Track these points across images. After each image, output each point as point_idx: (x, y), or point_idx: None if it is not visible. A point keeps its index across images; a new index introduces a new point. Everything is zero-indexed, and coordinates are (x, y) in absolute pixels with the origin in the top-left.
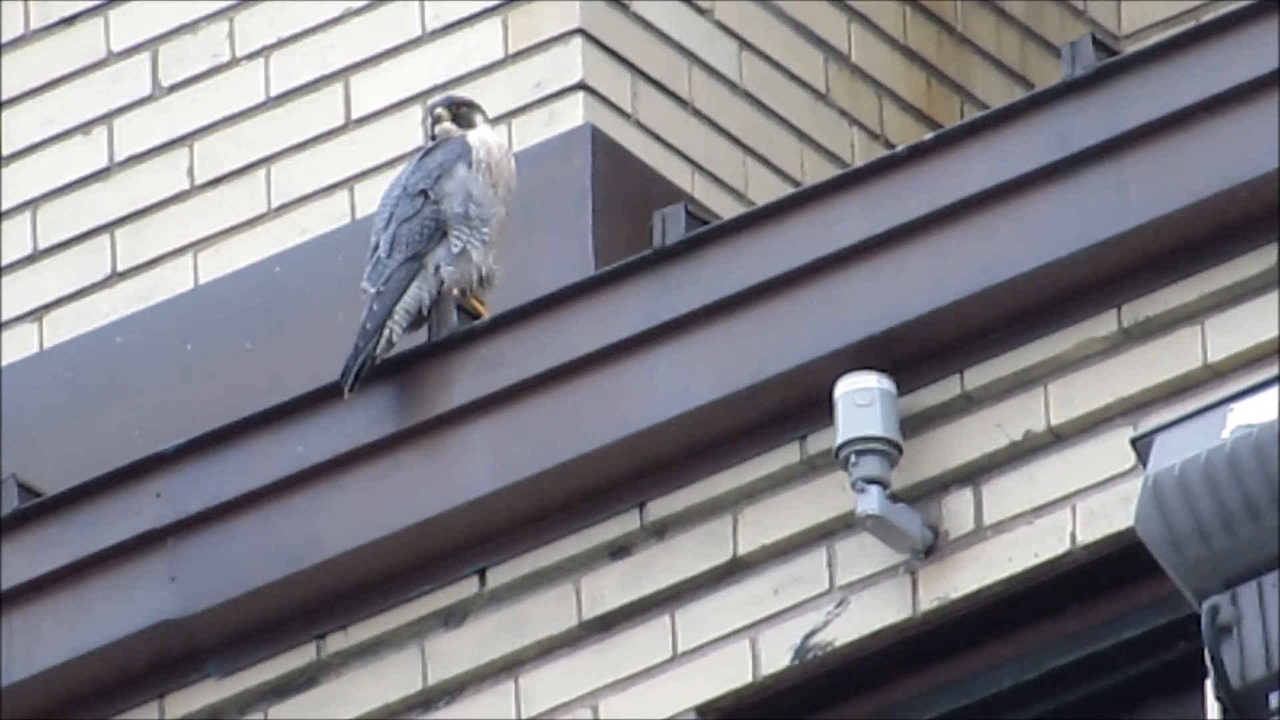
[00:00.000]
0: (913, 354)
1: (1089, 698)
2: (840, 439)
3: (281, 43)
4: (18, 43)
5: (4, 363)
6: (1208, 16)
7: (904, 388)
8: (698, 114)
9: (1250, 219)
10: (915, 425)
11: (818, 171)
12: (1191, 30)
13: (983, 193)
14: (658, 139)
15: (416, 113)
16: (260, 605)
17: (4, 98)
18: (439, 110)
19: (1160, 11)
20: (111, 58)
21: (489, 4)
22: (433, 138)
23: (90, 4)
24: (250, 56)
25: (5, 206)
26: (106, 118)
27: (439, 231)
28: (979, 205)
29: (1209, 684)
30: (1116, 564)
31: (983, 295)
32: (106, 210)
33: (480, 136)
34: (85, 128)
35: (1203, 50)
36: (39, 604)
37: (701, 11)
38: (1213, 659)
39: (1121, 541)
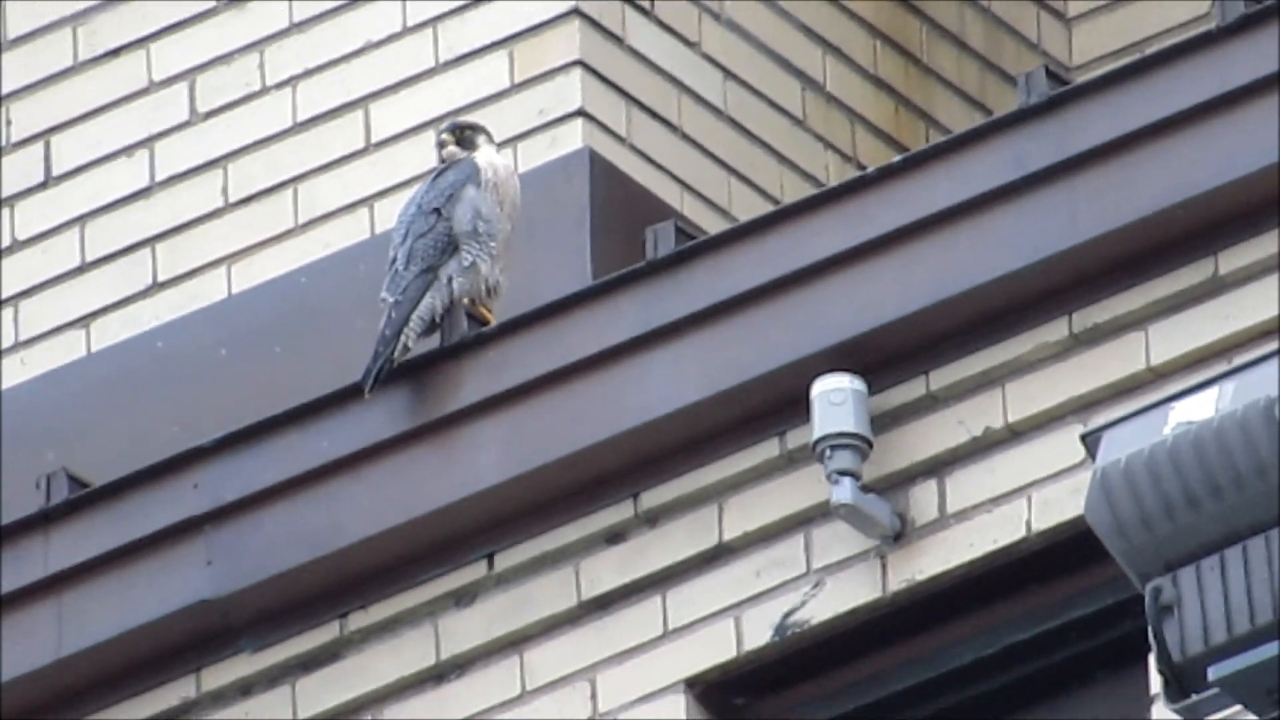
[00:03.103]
0: (882, 357)
1: (1043, 670)
2: (816, 435)
3: (307, 73)
4: (67, 73)
5: (55, 366)
6: (1151, 49)
7: (874, 388)
8: (686, 138)
9: (1189, 235)
10: (884, 422)
11: (796, 191)
12: (1135, 62)
13: (945, 210)
14: (650, 161)
15: (431, 137)
16: (288, 586)
17: (54, 123)
18: (444, 135)
19: (1107, 45)
20: (153, 87)
21: (496, 37)
22: (442, 160)
23: (133, 37)
24: (279, 86)
25: (55, 223)
26: (148, 141)
27: (451, 246)
28: (942, 222)
29: (1152, 659)
30: (1068, 549)
31: (946, 304)
32: (148, 226)
33: (488, 159)
34: (128, 150)
35: (1146, 81)
36: (87, 585)
37: (690, 44)
38: (1155, 636)
39: (1072, 529)
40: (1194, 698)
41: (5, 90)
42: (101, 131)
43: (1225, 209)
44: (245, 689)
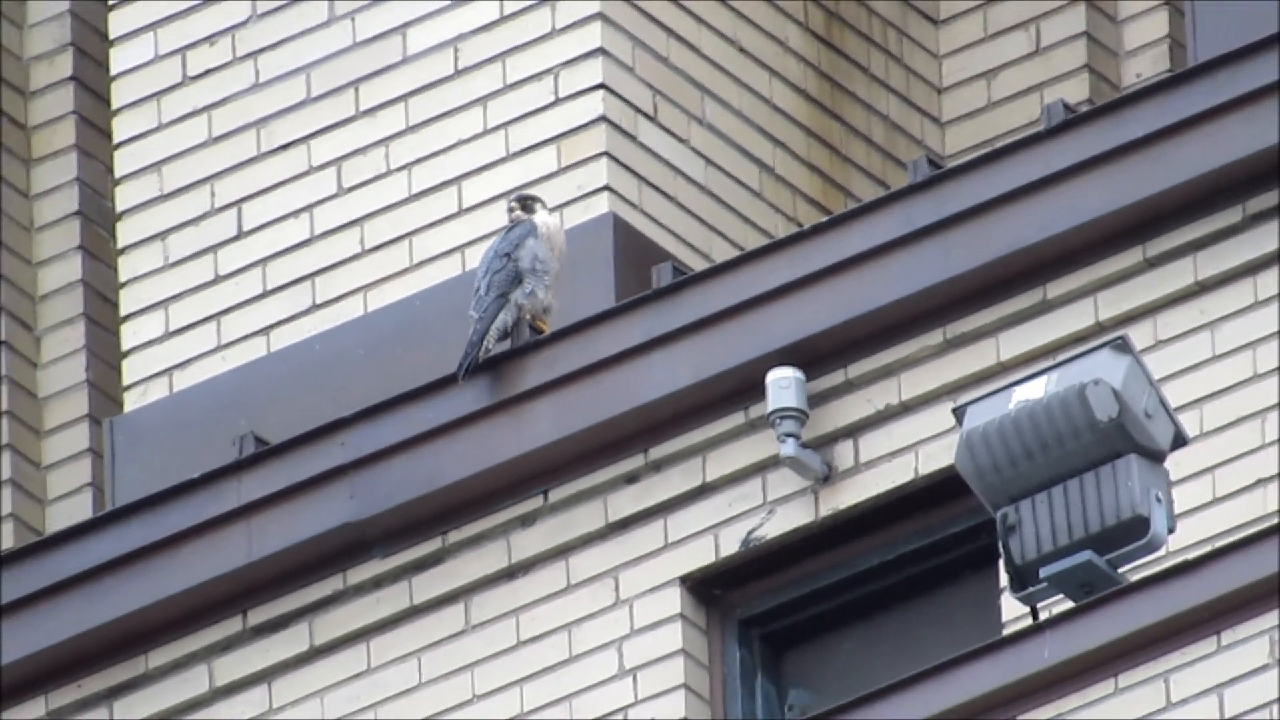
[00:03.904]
0: (815, 356)
1: (927, 571)
2: (770, 409)
3: (418, 160)
4: (253, 160)
5: (245, 361)
6: (999, 144)
7: (810, 376)
8: (680, 205)
9: (1026, 271)
10: (817, 400)
11: (755, 241)
12: (988, 154)
13: (857, 254)
14: (655, 221)
15: (503, 205)
16: (406, 513)
17: (245, 194)
18: (513, 203)
19: (968, 141)
20: (311, 170)
21: (548, 136)
22: (511, 220)
23: (297, 135)
24: (400, 169)
25: (246, 263)
26: (308, 208)
27: (517, 279)
28: (856, 262)
29: (1001, 563)
30: (944, 488)
31: (859, 319)
32: (309, 265)
33: (543, 219)
34: (295, 214)
35: (996, 166)
36: (267, 513)
37: (682, 140)
38: (1003, 547)
39: (946, 474)
40: (1030, 590)
41: (210, 172)
42: (277, 200)
43: (1051, 254)
44: (377, 583)
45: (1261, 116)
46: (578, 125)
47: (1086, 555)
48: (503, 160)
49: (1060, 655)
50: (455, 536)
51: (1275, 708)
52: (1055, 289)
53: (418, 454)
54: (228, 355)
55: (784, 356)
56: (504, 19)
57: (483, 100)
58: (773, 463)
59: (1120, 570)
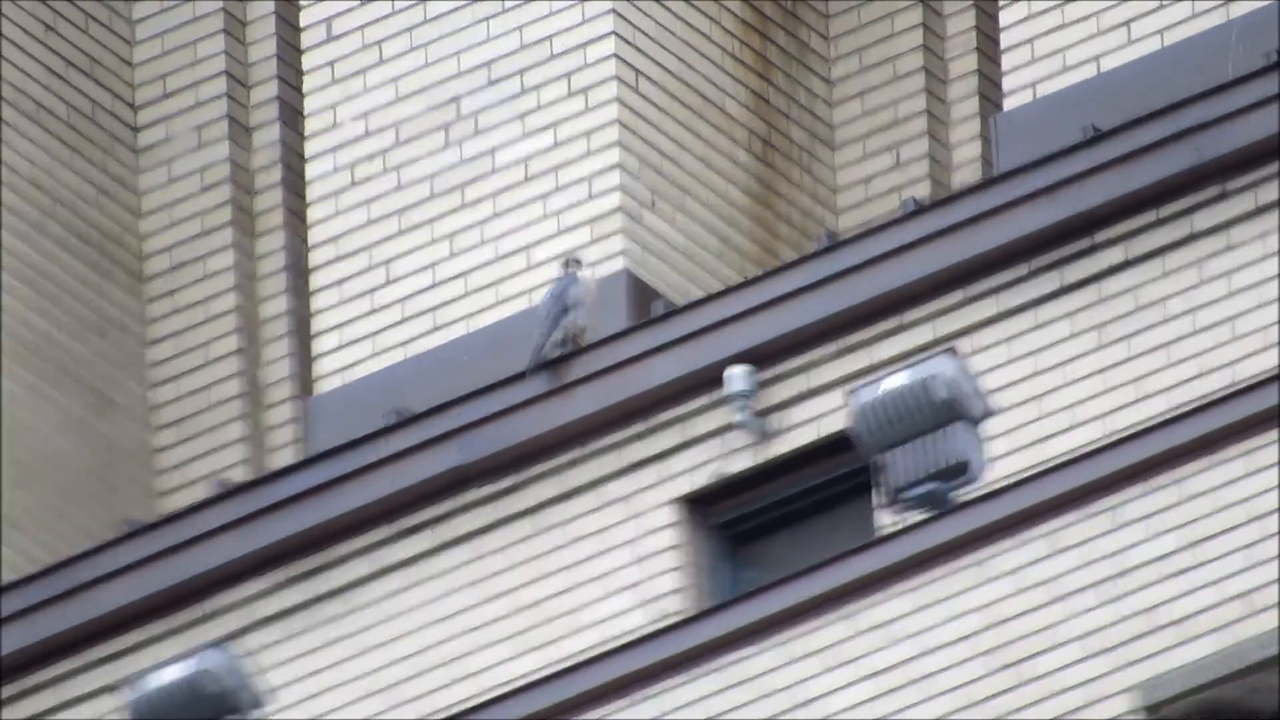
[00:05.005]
0: (759, 358)
1: (829, 496)
2: (729, 391)
3: (506, 234)
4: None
5: (404, 359)
6: (876, 224)
7: (758, 370)
8: (669, 264)
9: (890, 305)
10: (761, 386)
11: (718, 286)
12: (867, 230)
13: (785, 294)
14: (653, 274)
15: (556, 265)
16: (493, 458)
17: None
18: (563, 263)
19: (856, 220)
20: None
21: (584, 220)
22: (561, 273)
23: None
24: (496, 238)
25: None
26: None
27: (565, 310)
28: (784, 299)
29: (875, 491)
30: (839, 444)
31: (786, 334)
32: (443, 297)
33: (583, 275)
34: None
35: (871, 238)
36: (416, 458)
37: (669, 223)
38: (876, 481)
39: (841, 436)
40: (894, 507)
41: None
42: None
43: (907, 293)
44: (478, 503)
45: (1040, 209)
46: (603, 213)
47: (931, 485)
48: (555, 236)
49: (914, 549)
50: (527, 474)
51: (1037, 573)
52: (909, 316)
53: (500, 420)
54: (394, 352)
55: (738, 358)
56: (558, 144)
57: (543, 198)
58: (731, 428)
59: (950, 495)
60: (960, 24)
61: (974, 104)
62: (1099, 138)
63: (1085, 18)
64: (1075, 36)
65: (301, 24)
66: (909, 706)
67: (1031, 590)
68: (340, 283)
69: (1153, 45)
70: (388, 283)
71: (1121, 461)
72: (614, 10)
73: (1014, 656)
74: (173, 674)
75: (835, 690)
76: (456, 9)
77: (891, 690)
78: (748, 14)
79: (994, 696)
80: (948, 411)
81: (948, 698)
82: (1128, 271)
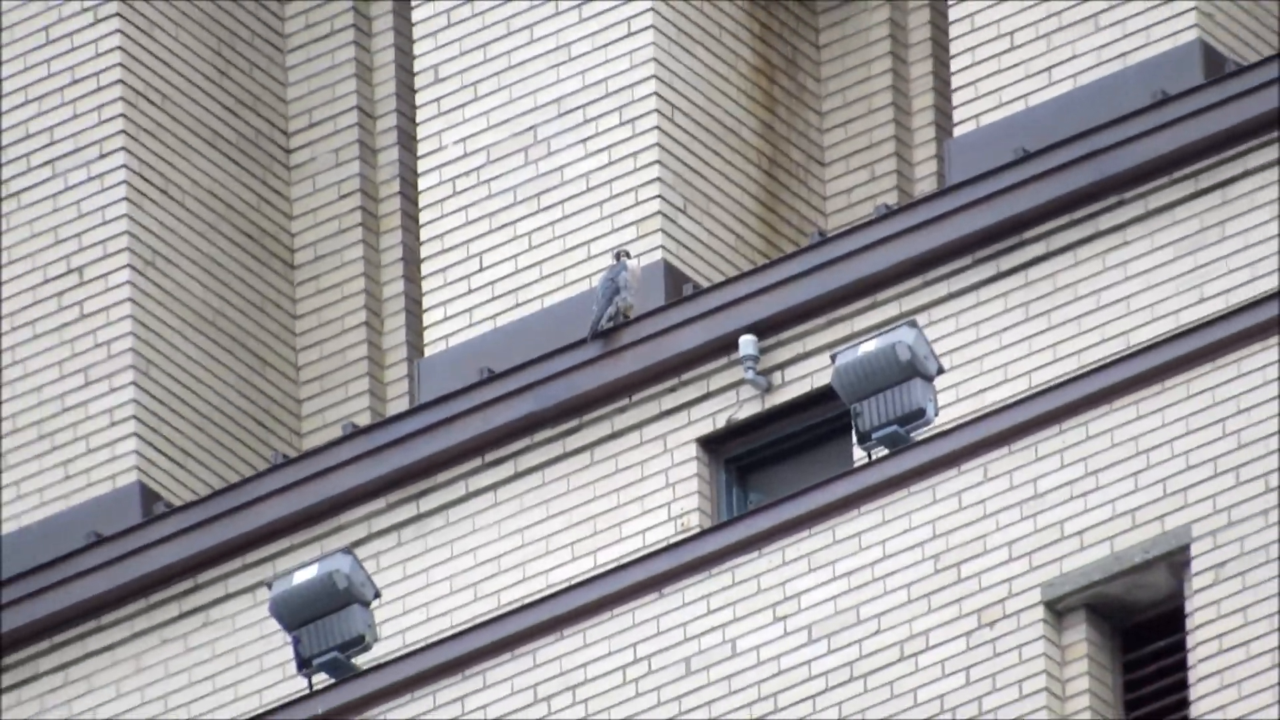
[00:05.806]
0: (764, 329)
1: (816, 435)
2: (740, 354)
3: (572, 232)
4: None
5: (495, 327)
6: (855, 224)
7: (760, 339)
8: (698, 255)
9: (867, 287)
10: (763, 351)
11: (733, 272)
12: (850, 228)
13: (785, 278)
14: (684, 263)
15: (609, 256)
16: (558, 407)
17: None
18: (615, 253)
19: (843, 220)
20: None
21: (633, 220)
22: (613, 262)
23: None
24: (570, 233)
25: (527, 265)
26: (538, 261)
27: (618, 290)
28: (784, 283)
29: (852, 431)
30: (825, 395)
31: (784, 311)
32: (524, 281)
33: (630, 263)
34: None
35: (854, 234)
36: (492, 406)
37: (698, 222)
38: (853, 423)
39: (827, 389)
40: (867, 445)
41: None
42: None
43: (879, 279)
44: (548, 441)
45: (981, 213)
46: (646, 216)
47: (894, 428)
48: (609, 234)
49: (880, 478)
50: (584, 419)
51: (972, 496)
52: (881, 296)
53: (562, 378)
54: (484, 324)
55: (748, 329)
56: (611, 163)
57: (599, 204)
58: (741, 383)
59: (909, 436)
60: (921, 69)
61: (931, 131)
62: (1027, 157)
63: (1016, 64)
64: (1009, 79)
65: (415, 69)
66: (873, 599)
67: (968, 509)
68: (443, 270)
69: (1068, 86)
70: (480, 270)
71: (1041, 409)
72: (655, 59)
73: (953, 560)
74: (309, 573)
75: (817, 586)
76: (534, 58)
77: (861, 585)
78: (759, 61)
79: (938, 591)
80: (908, 370)
81: (903, 592)
82: (1048, 262)
